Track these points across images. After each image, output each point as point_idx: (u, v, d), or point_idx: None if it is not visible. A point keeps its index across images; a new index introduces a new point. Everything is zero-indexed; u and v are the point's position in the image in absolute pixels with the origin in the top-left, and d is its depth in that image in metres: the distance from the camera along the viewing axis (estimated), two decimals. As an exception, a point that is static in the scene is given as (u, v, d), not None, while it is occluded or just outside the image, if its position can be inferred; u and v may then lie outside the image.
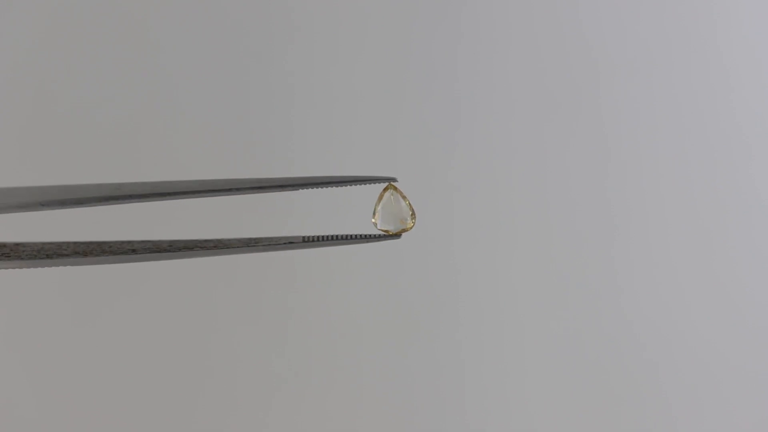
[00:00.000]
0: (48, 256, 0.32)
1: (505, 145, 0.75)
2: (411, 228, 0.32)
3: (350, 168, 0.72)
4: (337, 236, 0.29)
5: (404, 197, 0.32)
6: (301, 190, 0.39)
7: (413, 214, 0.32)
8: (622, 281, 0.75)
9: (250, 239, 0.29)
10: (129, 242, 0.30)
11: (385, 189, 0.33)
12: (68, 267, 0.36)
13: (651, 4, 0.78)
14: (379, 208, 0.32)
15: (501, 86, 0.76)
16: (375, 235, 0.30)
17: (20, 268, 0.32)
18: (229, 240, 0.30)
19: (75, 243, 0.30)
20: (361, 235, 0.30)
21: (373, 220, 0.32)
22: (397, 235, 0.31)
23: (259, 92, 0.75)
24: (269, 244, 0.29)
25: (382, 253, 0.73)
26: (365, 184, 0.36)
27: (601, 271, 0.75)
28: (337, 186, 0.37)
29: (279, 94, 0.75)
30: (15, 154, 0.72)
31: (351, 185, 0.37)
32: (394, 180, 0.34)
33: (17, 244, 0.30)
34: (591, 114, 0.76)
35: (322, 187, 0.38)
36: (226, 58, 0.75)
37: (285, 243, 0.29)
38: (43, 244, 0.30)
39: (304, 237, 0.29)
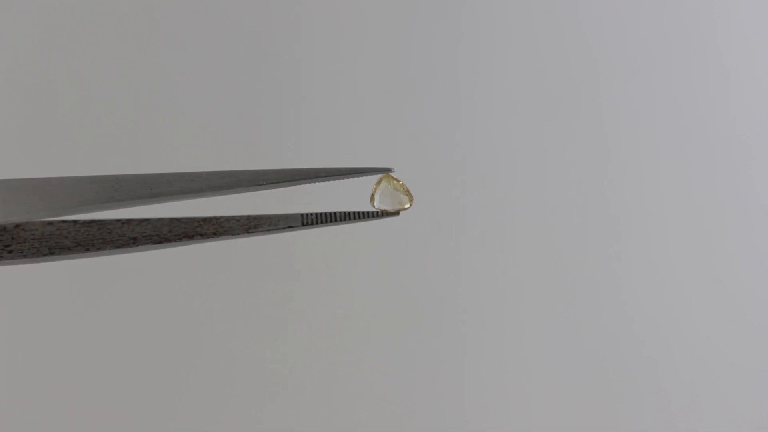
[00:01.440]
0: (50, 251, 0.32)
1: (506, 143, 0.76)
2: (409, 207, 0.32)
3: (347, 163, 0.72)
4: (335, 215, 0.29)
5: (401, 184, 0.32)
6: (297, 185, 0.39)
7: (411, 196, 0.32)
8: (622, 278, 0.75)
9: (249, 218, 0.29)
10: (128, 222, 0.30)
11: (382, 178, 0.33)
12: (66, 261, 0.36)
13: (651, 5, 0.78)
14: (376, 195, 0.32)
15: (501, 86, 0.76)
16: (373, 213, 0.30)
17: (22, 264, 0.33)
18: (228, 222, 0.30)
19: (75, 225, 0.30)
20: (359, 213, 0.30)
21: (371, 203, 0.32)
22: (395, 213, 0.31)
23: (255, 88, 0.75)
24: (269, 229, 0.29)
25: (382, 247, 0.73)
26: (362, 176, 0.37)
27: (602, 268, 0.75)
28: (333, 179, 0.37)
29: (275, 90, 0.75)
30: (14, 154, 0.72)
31: (347, 178, 0.37)
32: (391, 170, 0.34)
33: (17, 226, 0.30)
34: (591, 113, 0.76)
35: (318, 182, 0.38)
36: (223, 54, 0.75)
37: (285, 227, 0.29)
38: (44, 227, 0.30)
39: (303, 216, 0.29)
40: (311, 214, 0.29)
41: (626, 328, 0.74)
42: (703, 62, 0.77)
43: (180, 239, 0.32)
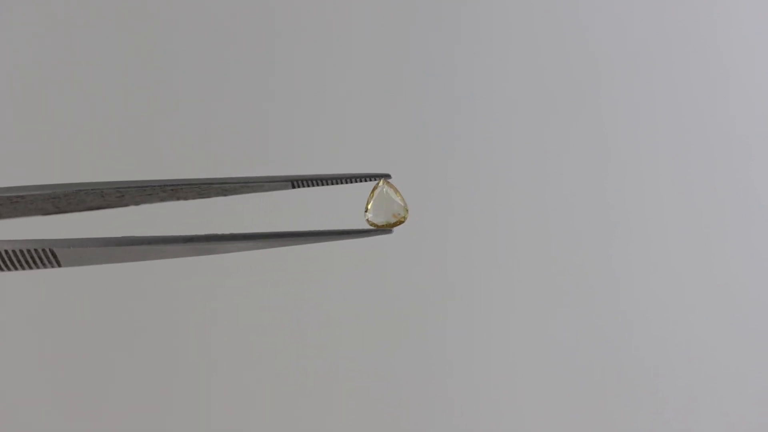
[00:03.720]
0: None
1: (504, 144, 0.75)
2: (404, 221, 0.31)
3: (344, 164, 0.71)
4: (328, 231, 0.29)
5: (397, 192, 0.32)
6: (295, 188, 0.39)
7: (406, 208, 0.32)
8: (620, 282, 0.74)
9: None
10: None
11: (378, 184, 0.33)
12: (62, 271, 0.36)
13: (651, 4, 0.77)
14: (371, 202, 0.32)
15: (500, 85, 0.76)
16: (367, 230, 0.30)
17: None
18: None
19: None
20: (353, 230, 0.29)
21: (365, 216, 0.32)
22: (388, 230, 0.30)
23: (253, 90, 0.74)
24: (259, 236, 0.28)
25: (374, 251, 0.73)
26: (359, 181, 0.36)
27: (599, 272, 0.74)
28: (330, 184, 0.37)
29: (273, 91, 0.75)
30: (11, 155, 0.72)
31: (345, 183, 0.37)
32: (388, 176, 0.34)
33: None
34: (591, 113, 0.76)
35: (315, 185, 0.37)
36: (220, 56, 0.75)
37: (275, 236, 0.28)
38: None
39: (294, 232, 0.29)
40: (302, 231, 0.29)
41: (625, 333, 0.73)
42: (703, 62, 0.77)
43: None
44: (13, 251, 0.31)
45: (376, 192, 0.32)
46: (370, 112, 0.75)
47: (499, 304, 0.74)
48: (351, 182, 0.37)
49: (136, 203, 0.44)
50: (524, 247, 0.74)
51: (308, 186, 0.38)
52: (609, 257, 0.74)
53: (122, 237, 0.31)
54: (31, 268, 0.34)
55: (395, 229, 0.31)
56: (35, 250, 0.31)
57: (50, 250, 0.31)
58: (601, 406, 0.73)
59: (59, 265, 0.34)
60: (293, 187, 0.39)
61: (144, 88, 0.73)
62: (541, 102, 0.76)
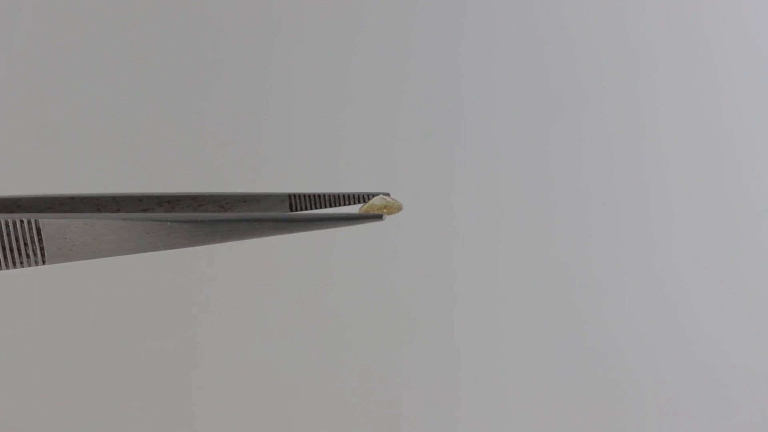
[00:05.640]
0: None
1: (509, 143, 0.75)
2: (396, 212, 0.31)
3: (343, 172, 0.71)
4: (319, 216, 0.28)
5: (395, 200, 0.32)
6: (295, 222, 0.39)
7: (400, 206, 0.32)
8: (626, 279, 0.73)
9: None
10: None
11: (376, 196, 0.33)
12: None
13: (656, 3, 0.77)
14: (366, 204, 0.32)
15: (504, 84, 0.76)
16: (357, 216, 0.30)
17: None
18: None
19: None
20: (343, 216, 0.29)
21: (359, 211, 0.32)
22: (378, 215, 0.30)
23: (252, 101, 0.75)
24: (249, 219, 0.28)
25: (378, 251, 0.72)
26: (358, 202, 0.36)
27: (605, 269, 0.73)
28: (328, 206, 0.37)
29: (272, 103, 0.75)
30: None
31: (343, 204, 0.36)
32: (387, 195, 0.34)
33: None
34: (595, 113, 0.76)
35: (313, 207, 0.37)
36: (219, 70, 0.75)
37: (262, 221, 0.28)
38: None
39: (283, 215, 0.28)
40: (296, 214, 0.29)
41: (630, 330, 0.72)
42: (709, 60, 0.76)
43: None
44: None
45: (373, 198, 0.32)
46: (375, 108, 0.75)
47: (506, 304, 0.73)
48: (349, 203, 0.37)
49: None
50: (530, 246, 0.74)
51: (306, 208, 0.38)
52: (616, 257, 0.74)
53: (103, 214, 0.30)
54: (15, 265, 0.33)
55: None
56: (21, 221, 0.31)
57: (35, 221, 0.31)
58: (609, 405, 0.72)
59: (44, 261, 0.34)
60: (291, 207, 0.38)
61: (142, 102, 0.73)
62: (546, 101, 0.76)
